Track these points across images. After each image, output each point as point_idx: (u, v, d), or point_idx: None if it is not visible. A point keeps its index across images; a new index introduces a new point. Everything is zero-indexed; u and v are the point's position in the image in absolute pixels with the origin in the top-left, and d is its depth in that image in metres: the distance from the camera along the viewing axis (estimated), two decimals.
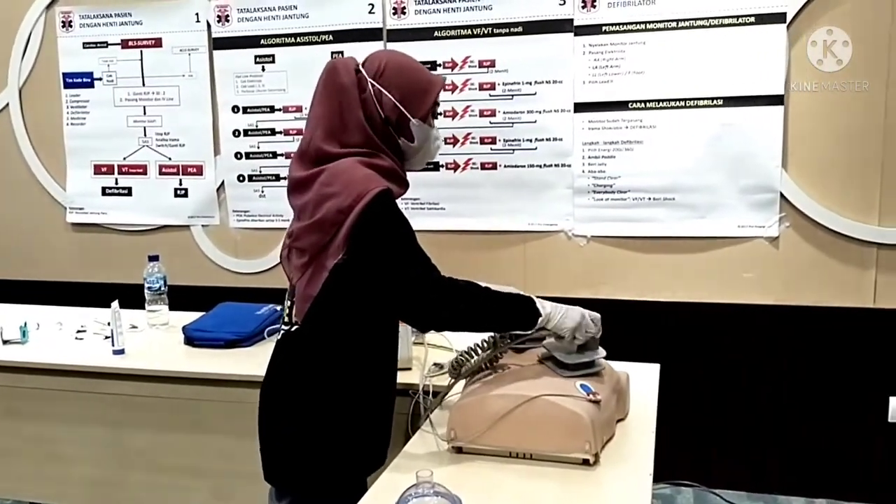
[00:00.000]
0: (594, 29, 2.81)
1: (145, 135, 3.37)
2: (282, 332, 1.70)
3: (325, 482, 1.65)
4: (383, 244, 1.53)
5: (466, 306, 1.56)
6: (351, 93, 1.59)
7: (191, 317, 2.56)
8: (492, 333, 1.71)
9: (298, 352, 1.66)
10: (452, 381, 1.73)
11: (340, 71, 1.62)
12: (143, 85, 3.33)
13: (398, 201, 1.58)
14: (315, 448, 1.63)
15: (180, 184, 3.35)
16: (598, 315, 1.65)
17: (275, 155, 3.23)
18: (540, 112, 2.91)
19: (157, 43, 3.29)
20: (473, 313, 1.57)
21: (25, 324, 2.52)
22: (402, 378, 2.01)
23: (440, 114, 2.01)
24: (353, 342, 1.62)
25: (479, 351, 1.72)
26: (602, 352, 1.66)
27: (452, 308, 1.55)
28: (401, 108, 1.61)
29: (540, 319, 1.58)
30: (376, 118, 1.60)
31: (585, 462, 1.50)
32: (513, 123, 2.94)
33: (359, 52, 1.78)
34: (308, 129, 1.64)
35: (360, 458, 1.67)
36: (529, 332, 1.64)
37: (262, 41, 3.16)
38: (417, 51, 2.95)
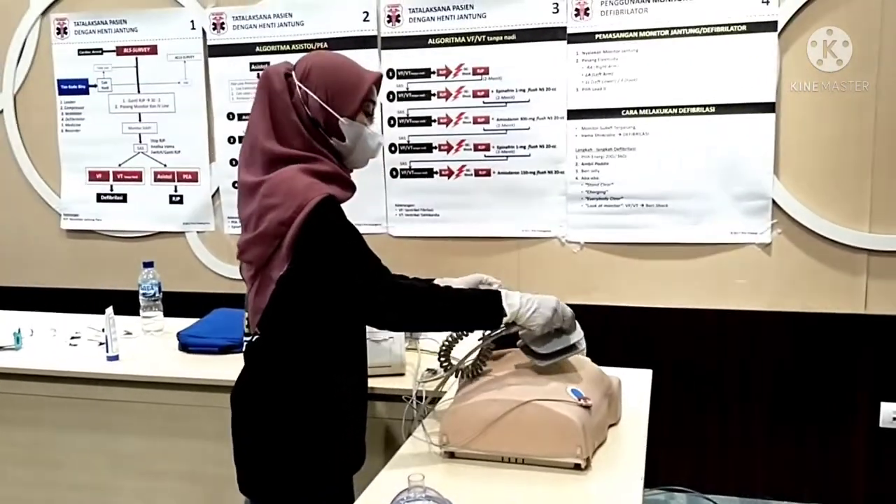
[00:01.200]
0: (587, 37, 2.83)
1: (140, 141, 3.37)
2: (244, 342, 1.71)
3: (291, 492, 1.64)
4: (326, 253, 1.53)
5: (417, 308, 1.56)
6: (282, 97, 1.61)
7: (185, 323, 2.57)
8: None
9: (258, 362, 1.67)
10: (445, 367, 1.74)
11: (272, 77, 1.63)
12: (139, 92, 3.34)
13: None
14: (278, 459, 1.63)
15: (175, 190, 3.36)
16: (570, 311, 1.64)
17: None
18: (533, 119, 2.92)
19: (153, 50, 3.30)
20: (425, 314, 1.57)
21: (19, 330, 2.53)
22: (395, 383, 2.03)
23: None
24: (309, 350, 1.62)
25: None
26: (579, 332, 1.65)
27: (400, 310, 1.55)
28: (327, 108, 1.61)
29: (505, 318, 1.57)
30: (306, 120, 1.62)
31: (577, 467, 1.51)
32: (506, 130, 2.95)
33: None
34: (248, 135, 1.65)
35: (328, 465, 1.66)
36: (497, 331, 1.63)
37: (258, 48, 3.17)
38: (411, 58, 3.00)
